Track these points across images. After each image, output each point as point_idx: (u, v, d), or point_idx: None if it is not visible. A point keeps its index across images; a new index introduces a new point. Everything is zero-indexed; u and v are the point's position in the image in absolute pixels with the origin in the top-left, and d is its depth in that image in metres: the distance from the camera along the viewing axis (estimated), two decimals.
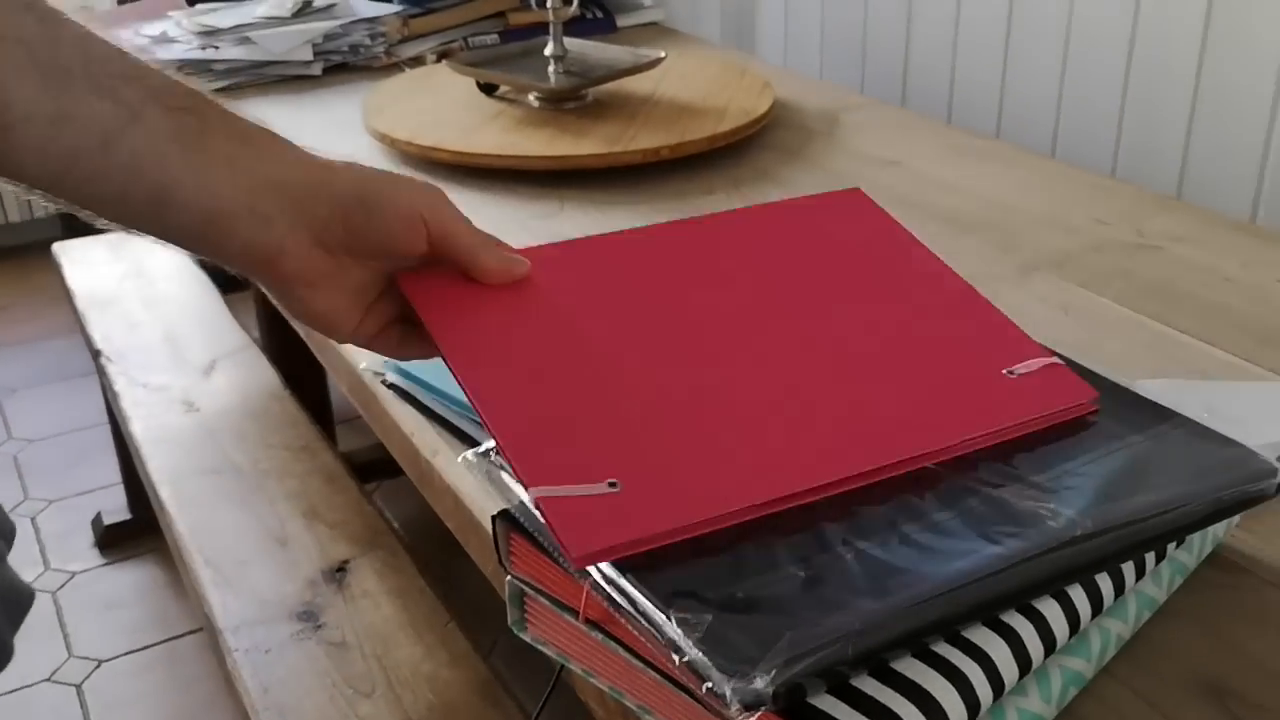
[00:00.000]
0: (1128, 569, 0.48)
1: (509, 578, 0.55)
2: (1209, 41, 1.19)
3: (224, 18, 1.40)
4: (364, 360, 0.81)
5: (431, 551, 1.65)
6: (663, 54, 1.28)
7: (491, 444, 0.58)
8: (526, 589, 0.54)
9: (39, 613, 1.67)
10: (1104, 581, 0.47)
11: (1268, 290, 0.82)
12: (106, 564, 1.77)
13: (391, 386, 0.78)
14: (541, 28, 1.34)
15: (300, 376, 1.56)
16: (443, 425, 0.74)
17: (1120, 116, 1.31)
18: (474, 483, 0.67)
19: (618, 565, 0.47)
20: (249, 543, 1.12)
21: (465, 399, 0.70)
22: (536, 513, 0.51)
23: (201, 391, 1.39)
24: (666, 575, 0.47)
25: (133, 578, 1.75)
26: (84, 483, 1.94)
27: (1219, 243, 0.90)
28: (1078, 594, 0.46)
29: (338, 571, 1.09)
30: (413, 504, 1.79)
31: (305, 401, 1.39)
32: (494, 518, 0.55)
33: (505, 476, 0.56)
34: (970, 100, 1.51)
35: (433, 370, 0.74)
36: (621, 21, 1.63)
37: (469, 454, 0.58)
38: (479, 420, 0.69)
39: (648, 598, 0.45)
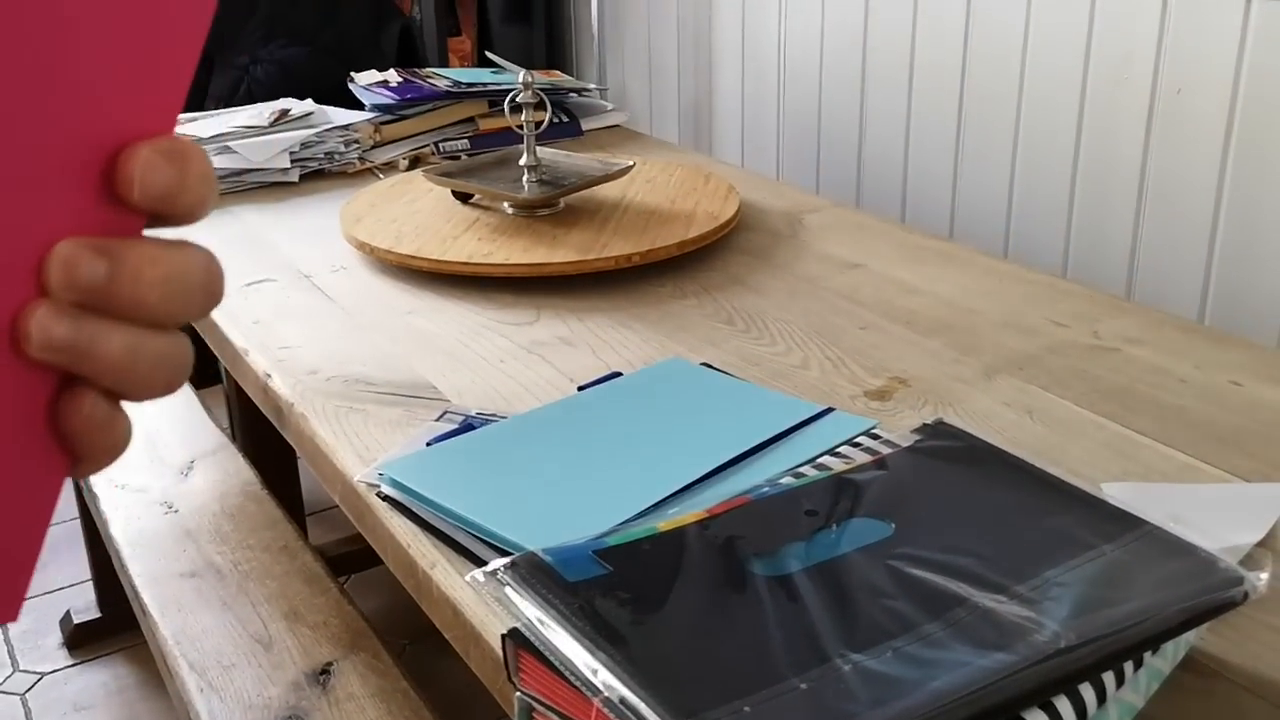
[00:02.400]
0: (1108, 677, 0.51)
1: (518, 694, 0.57)
2: (1152, 145, 1.26)
3: (204, 127, 1.44)
4: (358, 472, 0.83)
5: (408, 644, 1.66)
6: (632, 162, 1.32)
7: (499, 562, 0.60)
8: (536, 705, 0.56)
9: (8, 716, 1.65)
10: (1087, 691, 0.50)
11: (1222, 391, 0.87)
12: (75, 664, 1.76)
13: (386, 498, 0.81)
14: (509, 132, 1.38)
15: (272, 469, 1.58)
16: (439, 537, 0.76)
17: (1069, 217, 1.37)
18: (473, 595, 0.69)
19: (627, 681, 0.50)
20: (233, 646, 1.12)
21: (462, 513, 0.72)
22: (545, 631, 0.54)
23: (180, 492, 1.40)
24: (675, 690, 0.50)
25: (102, 678, 1.73)
26: (53, 580, 1.92)
27: (1172, 344, 0.95)
28: (1063, 704, 0.49)
29: (321, 674, 1.10)
30: (386, 596, 1.80)
31: (278, 494, 1.41)
32: (504, 636, 0.58)
33: (512, 594, 0.58)
34: (923, 199, 1.57)
35: (428, 482, 0.76)
36: (586, 125, 1.68)
37: (477, 573, 0.60)
38: (476, 534, 0.72)
39: (658, 714, 0.48)
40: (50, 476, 0.29)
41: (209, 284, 0.29)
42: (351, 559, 1.79)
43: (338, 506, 0.88)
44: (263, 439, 1.65)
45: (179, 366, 0.30)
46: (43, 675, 1.74)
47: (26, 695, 1.70)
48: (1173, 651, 0.56)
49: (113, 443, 0.30)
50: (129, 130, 0.28)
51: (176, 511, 1.36)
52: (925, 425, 0.70)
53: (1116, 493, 0.69)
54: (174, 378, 0.30)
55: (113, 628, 1.74)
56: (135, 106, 0.28)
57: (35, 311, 0.27)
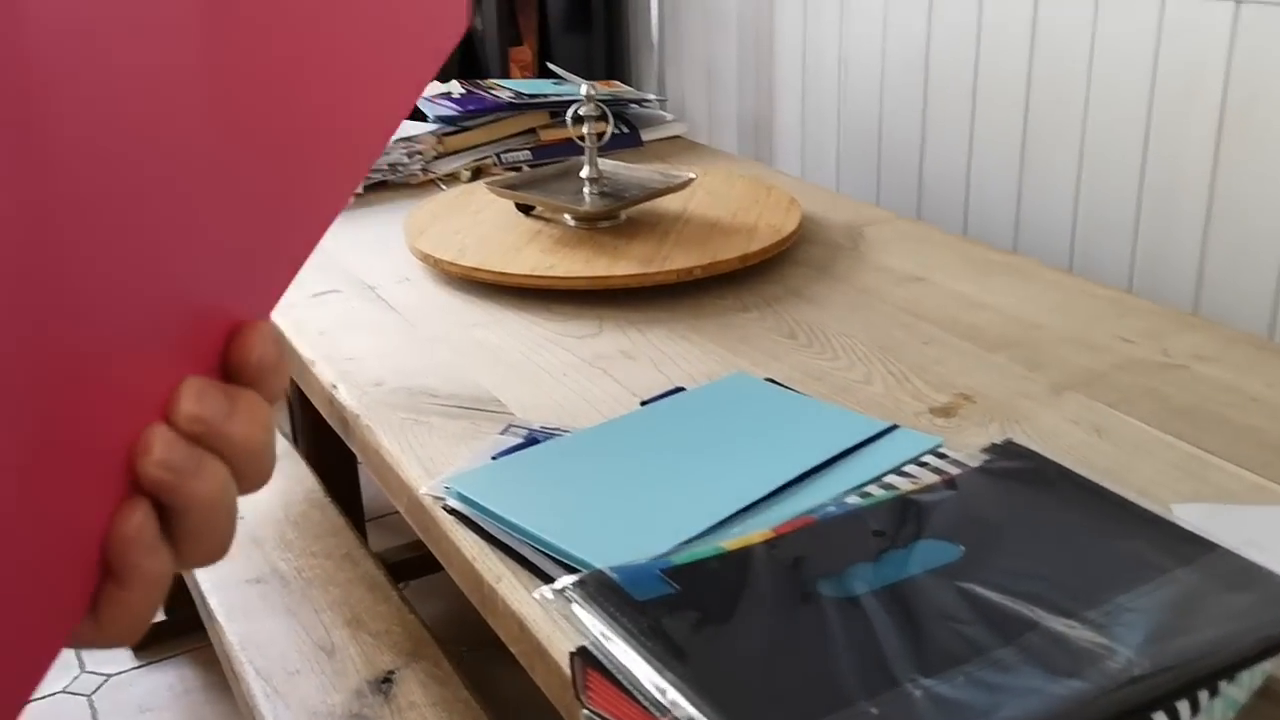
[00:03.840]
0: (1183, 706, 0.51)
1: (585, 711, 0.58)
2: (1221, 156, 1.24)
3: None
4: (423, 484, 0.84)
5: (466, 651, 1.67)
6: (693, 175, 1.33)
7: (567, 580, 0.61)
8: None
9: (75, 717, 1.68)
10: None
11: None
12: (142, 666, 1.79)
13: (452, 511, 0.81)
14: (570, 143, 1.39)
15: (334, 476, 1.60)
16: (505, 551, 0.77)
17: (1135, 230, 1.35)
18: (539, 610, 0.70)
19: (696, 701, 0.50)
20: (297, 652, 1.14)
21: (528, 528, 0.73)
22: (613, 649, 0.54)
23: (246, 499, 1.42)
24: (744, 711, 0.50)
25: (168, 680, 1.76)
26: None
27: (1243, 362, 0.94)
28: None
29: (384, 682, 1.11)
30: (445, 602, 1.81)
31: (340, 500, 1.42)
32: (573, 654, 0.58)
33: (580, 612, 0.59)
34: (986, 212, 1.56)
35: (494, 497, 0.77)
36: (647, 136, 1.69)
37: (546, 590, 0.61)
38: (542, 549, 0.72)
39: None
40: (73, 600, 0.29)
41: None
42: (411, 565, 1.80)
43: (397, 513, 0.89)
44: (324, 446, 1.67)
45: (232, 531, 0.32)
46: (109, 677, 1.77)
47: (93, 696, 1.74)
48: (1249, 680, 0.55)
49: (154, 575, 0.30)
50: (250, 306, 0.32)
51: (243, 518, 1.38)
52: (994, 445, 0.70)
53: (1187, 514, 0.68)
54: (228, 540, 0.32)
55: (179, 630, 1.77)
56: (256, 292, 0.32)
57: (158, 429, 0.29)
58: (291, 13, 0.28)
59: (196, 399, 0.29)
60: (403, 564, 1.77)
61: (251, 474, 0.31)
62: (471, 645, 1.71)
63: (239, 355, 0.31)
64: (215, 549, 0.31)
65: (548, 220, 1.29)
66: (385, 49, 0.32)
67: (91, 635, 0.30)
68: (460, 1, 0.35)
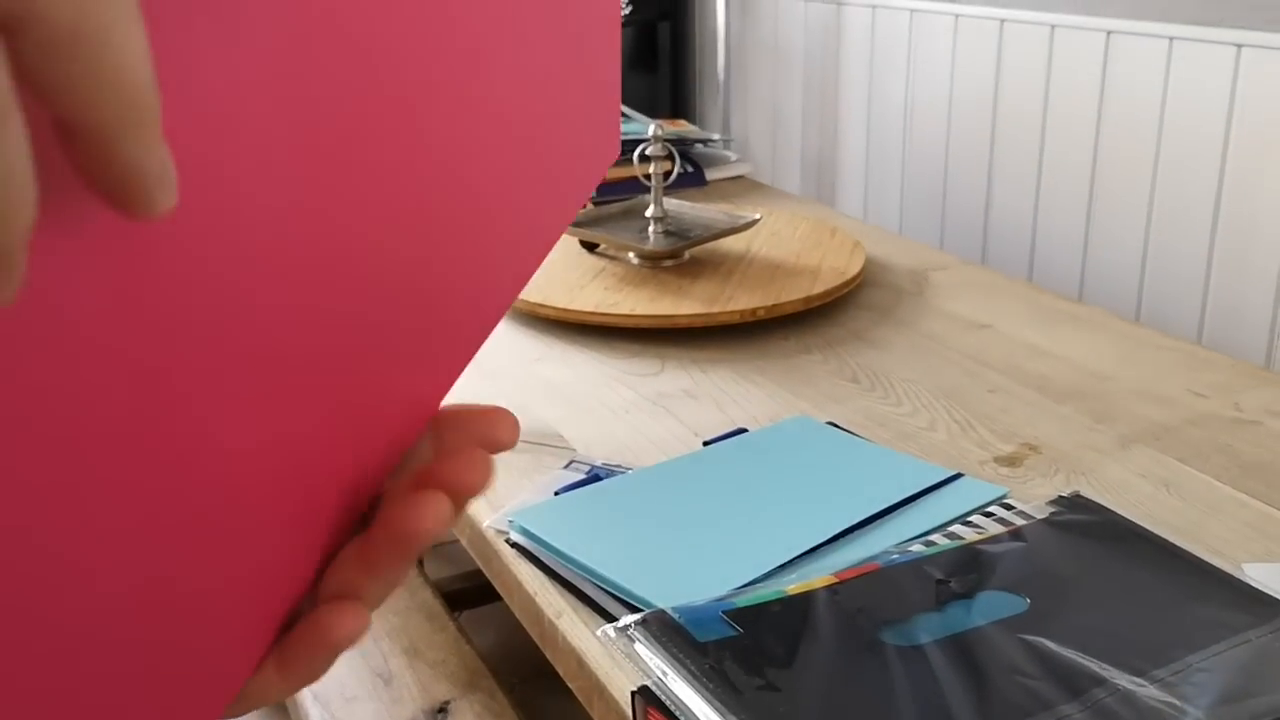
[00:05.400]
0: None
1: None
2: None
3: None
4: (486, 517, 0.85)
5: (519, 681, 1.67)
6: (758, 215, 1.33)
7: (630, 619, 0.61)
8: None
9: None
10: None
11: None
12: None
13: (515, 545, 0.82)
14: (635, 181, 1.40)
15: None
16: (566, 587, 0.77)
17: (1206, 281, 1.34)
18: (598, 646, 0.70)
19: None
20: (355, 679, 1.15)
21: (590, 565, 0.73)
22: (674, 689, 0.54)
23: None
24: None
25: None
26: None
27: None
28: None
29: (439, 712, 1.11)
30: (500, 633, 1.81)
31: None
32: (634, 693, 0.58)
33: (642, 651, 0.59)
34: (1052, 258, 1.55)
35: (557, 532, 0.77)
36: (711, 175, 1.70)
37: (608, 628, 0.61)
38: (603, 586, 0.72)
39: None
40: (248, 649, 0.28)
41: None
42: (466, 595, 1.81)
43: (454, 542, 0.90)
44: None
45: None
46: None
47: None
48: None
49: (315, 670, 0.30)
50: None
51: None
52: (1061, 497, 0.69)
53: (1259, 574, 0.67)
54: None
55: None
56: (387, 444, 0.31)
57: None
58: (436, 148, 0.27)
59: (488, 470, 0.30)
60: (457, 593, 1.77)
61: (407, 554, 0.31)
62: (524, 676, 1.71)
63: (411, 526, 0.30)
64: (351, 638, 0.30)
65: (612, 258, 1.30)
66: (533, 181, 0.31)
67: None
68: (613, 127, 0.34)
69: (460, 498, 0.30)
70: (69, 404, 0.20)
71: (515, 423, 0.32)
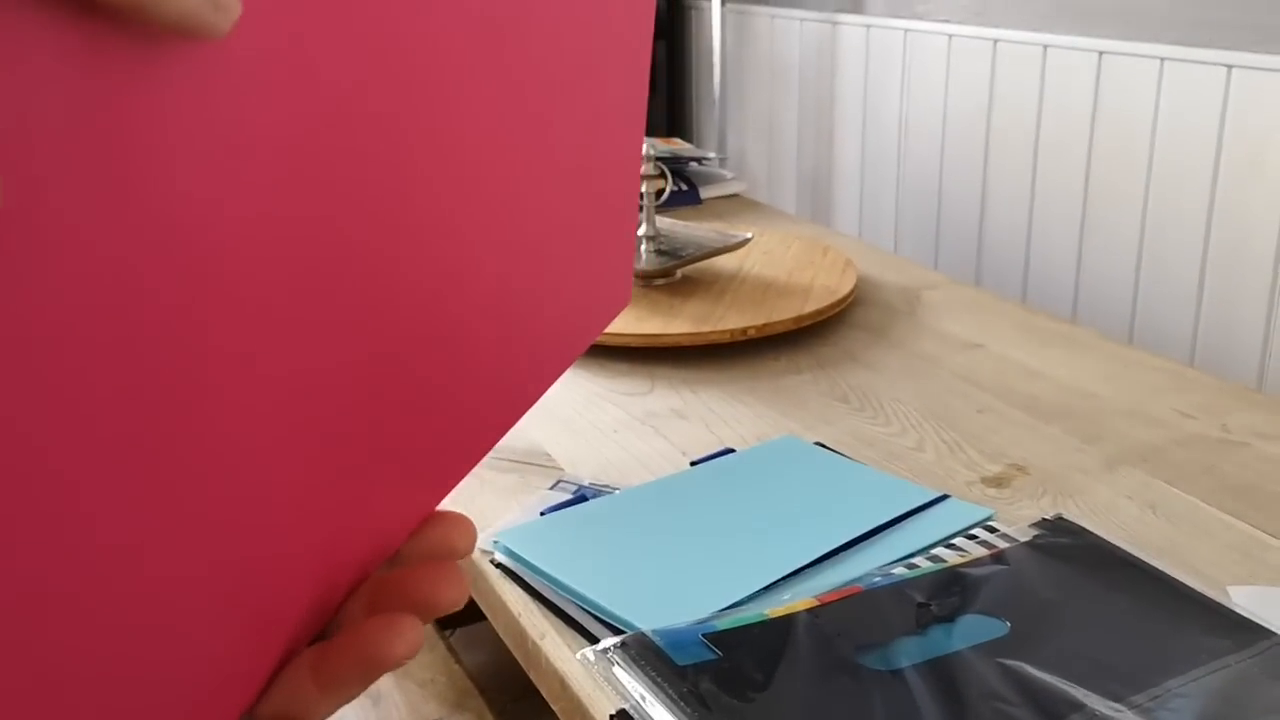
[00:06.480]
0: None
1: None
2: None
3: None
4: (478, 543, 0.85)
5: (510, 702, 1.67)
6: (749, 234, 1.33)
7: (610, 641, 0.61)
8: None
9: None
10: None
11: None
12: None
13: (499, 566, 0.82)
14: None
15: None
16: (550, 608, 0.77)
17: (1198, 302, 1.34)
18: (581, 669, 0.70)
19: None
20: None
21: (574, 586, 0.73)
22: (652, 713, 0.54)
23: None
24: None
25: None
26: None
27: None
28: None
29: None
30: (489, 652, 1.81)
31: None
32: (612, 717, 0.58)
33: (621, 674, 0.59)
34: (1047, 275, 1.55)
35: (542, 553, 0.77)
36: (706, 193, 1.70)
37: (588, 651, 0.61)
38: (589, 609, 0.72)
39: None
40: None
41: None
42: (457, 613, 1.81)
43: None
44: None
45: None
46: None
47: None
48: None
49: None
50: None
51: None
52: (1044, 520, 0.69)
53: (1243, 598, 0.67)
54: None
55: None
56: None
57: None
58: (447, 279, 0.27)
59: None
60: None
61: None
62: (515, 696, 1.70)
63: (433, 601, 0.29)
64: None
65: None
66: (541, 319, 0.31)
67: None
68: (626, 275, 0.33)
69: (430, 615, 0.28)
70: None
71: (473, 529, 0.31)
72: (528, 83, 0.27)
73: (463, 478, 0.31)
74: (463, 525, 0.31)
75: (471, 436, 0.31)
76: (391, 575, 0.29)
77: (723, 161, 1.88)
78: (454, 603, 0.28)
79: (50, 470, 0.19)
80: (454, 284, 0.27)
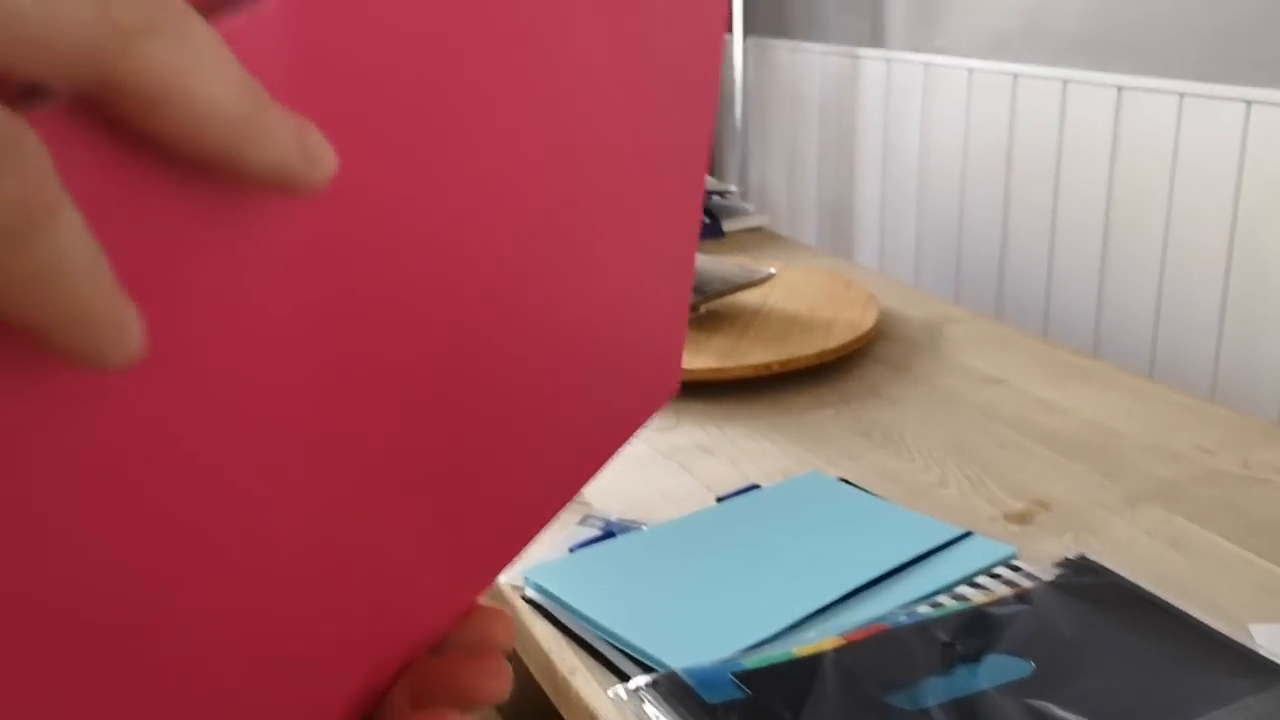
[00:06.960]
0: None
1: None
2: None
3: None
4: (504, 574, 0.86)
5: None
6: (773, 270, 1.35)
7: (641, 680, 0.62)
8: None
9: None
10: None
11: None
12: None
13: (530, 601, 0.83)
14: None
15: None
16: (580, 645, 0.79)
17: (1219, 337, 1.35)
18: (611, 705, 0.71)
19: None
20: None
21: (604, 623, 0.75)
22: None
23: None
24: None
25: None
26: None
27: None
28: None
29: None
30: (518, 681, 1.82)
31: None
32: None
33: (652, 712, 0.60)
34: (1067, 308, 1.56)
35: (571, 590, 0.79)
36: (728, 227, 1.72)
37: (619, 689, 0.62)
38: (618, 645, 0.74)
39: None
40: None
41: None
42: None
43: None
44: None
45: None
46: None
47: None
48: None
49: None
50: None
51: None
52: (1067, 560, 0.70)
53: (1265, 635, 0.68)
54: None
55: None
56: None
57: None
58: (493, 371, 0.27)
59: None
60: None
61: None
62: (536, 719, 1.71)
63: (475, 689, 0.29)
64: None
65: None
66: (583, 416, 0.31)
67: None
68: (675, 365, 0.33)
69: (473, 707, 0.28)
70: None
71: (511, 623, 0.31)
72: (595, 182, 0.28)
73: (506, 567, 0.32)
74: (503, 620, 0.31)
75: (515, 528, 0.31)
76: (435, 664, 0.29)
77: (744, 195, 1.90)
78: (498, 695, 0.28)
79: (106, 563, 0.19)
80: (504, 381, 0.28)
